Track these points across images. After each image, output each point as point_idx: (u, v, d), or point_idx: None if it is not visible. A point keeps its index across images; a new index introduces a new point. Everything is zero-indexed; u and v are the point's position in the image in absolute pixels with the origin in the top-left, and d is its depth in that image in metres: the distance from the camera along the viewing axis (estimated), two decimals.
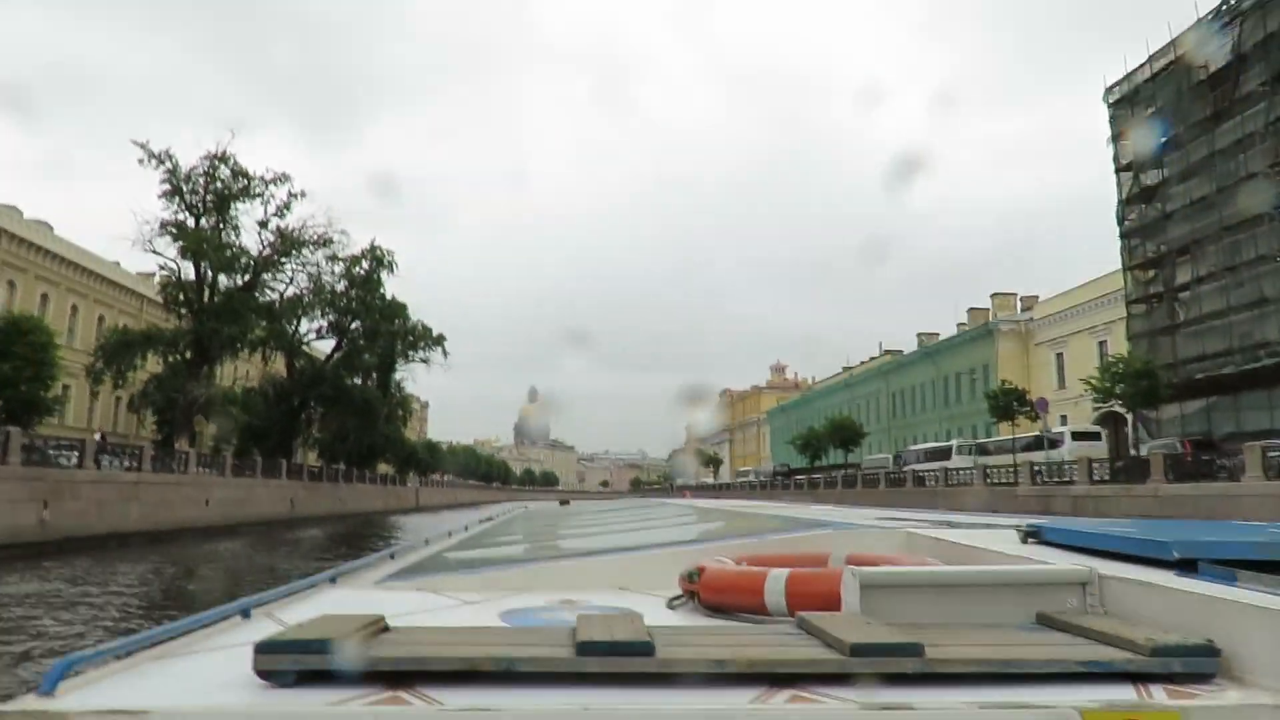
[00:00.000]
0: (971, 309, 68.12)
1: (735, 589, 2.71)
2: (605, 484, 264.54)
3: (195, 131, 51.03)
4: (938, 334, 73.51)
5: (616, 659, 1.65)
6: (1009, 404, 37.17)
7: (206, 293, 39.51)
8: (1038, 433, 38.83)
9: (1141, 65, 42.27)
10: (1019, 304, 63.27)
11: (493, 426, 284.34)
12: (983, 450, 47.67)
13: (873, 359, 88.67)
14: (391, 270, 51.47)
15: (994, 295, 64.58)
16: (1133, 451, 37.48)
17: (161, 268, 39.57)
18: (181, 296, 39.25)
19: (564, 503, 15.11)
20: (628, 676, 1.63)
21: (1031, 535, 3.16)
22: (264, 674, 1.60)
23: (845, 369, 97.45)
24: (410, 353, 62.25)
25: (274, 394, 48.76)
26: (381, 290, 51.63)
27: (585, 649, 1.66)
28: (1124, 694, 1.60)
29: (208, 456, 37.85)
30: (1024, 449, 43.82)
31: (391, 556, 4.35)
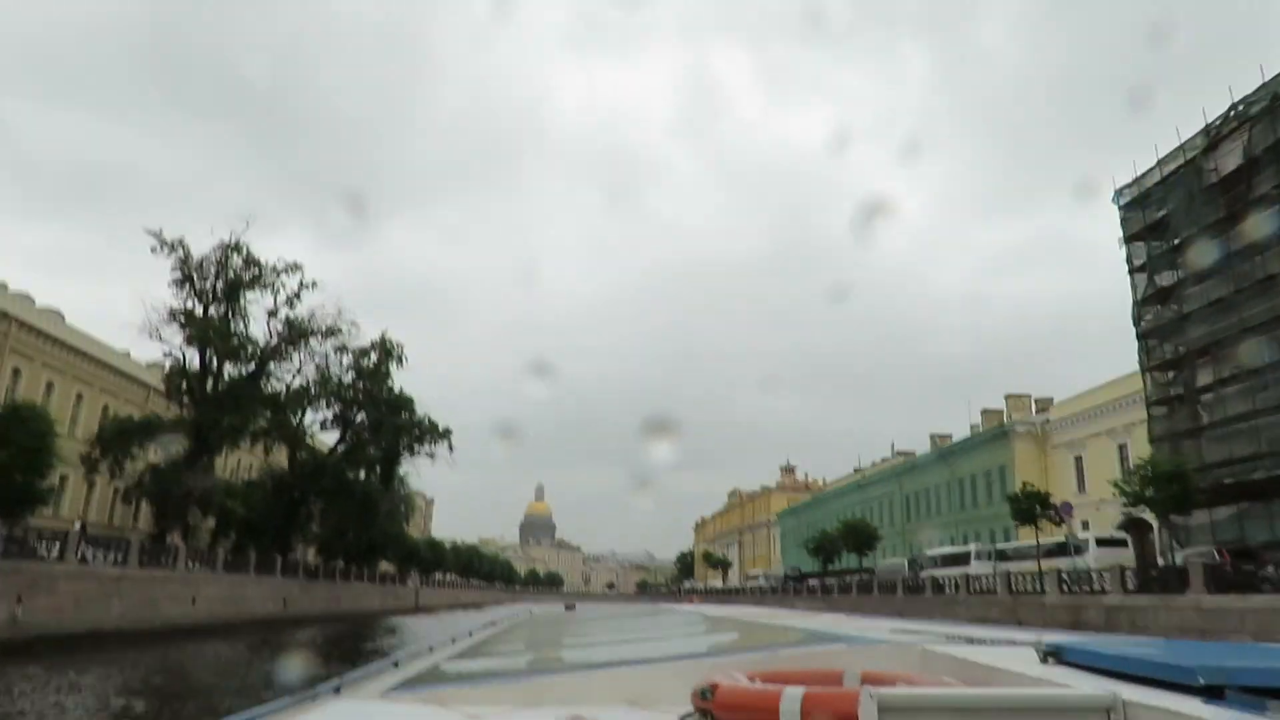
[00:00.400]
0: (985, 410, 67.09)
1: (750, 708, 2.62)
2: (611, 586, 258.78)
3: (212, 228, 50.65)
4: (950, 435, 72.40)
5: None
6: (1031, 508, 35.76)
7: (210, 381, 38.96)
8: (1062, 538, 37.38)
9: (1151, 169, 42.54)
10: (1034, 405, 62.36)
11: (498, 525, 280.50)
12: (1002, 556, 45.98)
13: (885, 460, 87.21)
14: (400, 362, 51.16)
15: (1008, 396, 63.67)
16: (1160, 560, 35.96)
17: (166, 355, 39.11)
18: (184, 385, 38.63)
19: (569, 607, 14.94)
20: None
21: (1052, 655, 3.11)
22: None
23: (857, 470, 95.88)
24: (416, 446, 61.49)
25: (273, 486, 47.58)
26: (389, 382, 51.17)
27: None
28: None
29: (204, 552, 36.54)
30: (1044, 555, 42.31)
31: (395, 665, 4.25)
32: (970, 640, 4.20)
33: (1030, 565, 39.64)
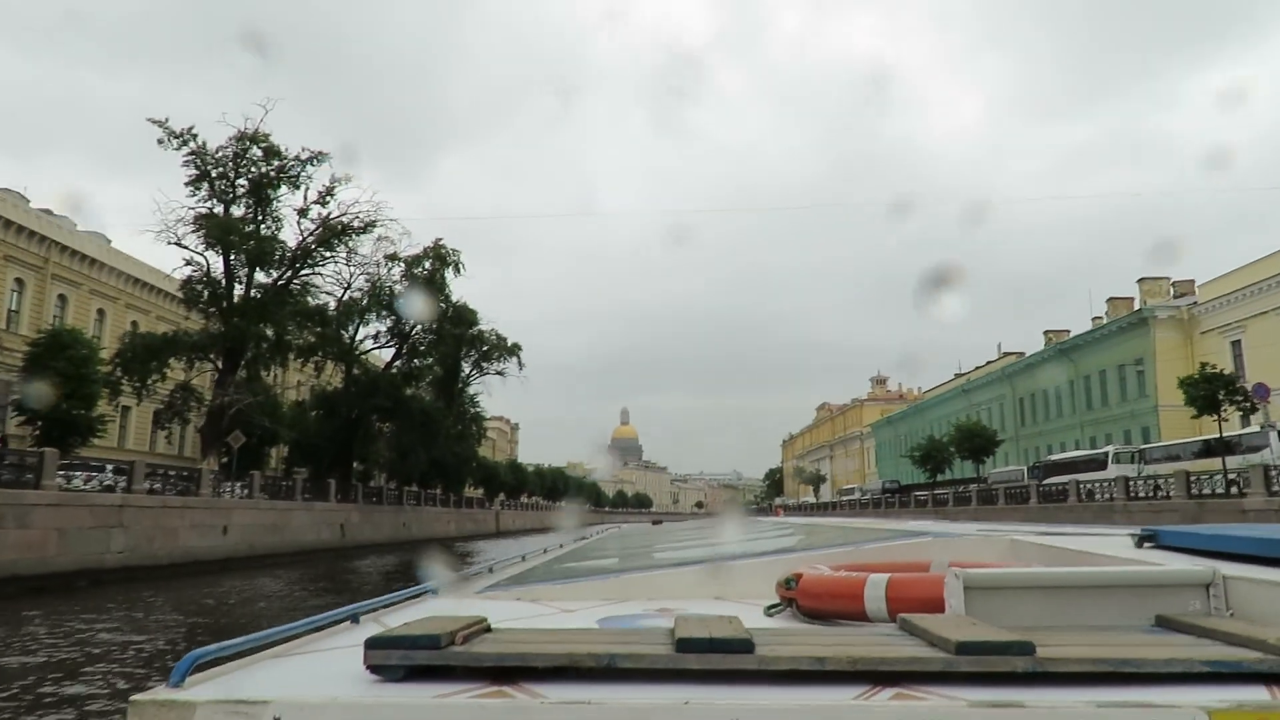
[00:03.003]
0: (1112, 299, 59.43)
1: (834, 594, 2.62)
2: (700, 505, 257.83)
3: (224, 114, 44.97)
4: (1068, 331, 65.06)
5: (716, 655, 1.62)
6: (1213, 393, 29.21)
7: (240, 289, 34.93)
8: (1248, 429, 30.90)
9: None
10: (1171, 290, 54.60)
11: (586, 450, 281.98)
12: (1146, 458, 39.80)
13: (990, 363, 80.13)
14: (458, 270, 46.50)
15: (1142, 280, 55.69)
16: None
17: (187, 263, 35.11)
18: (207, 294, 34.61)
19: (656, 522, 13.87)
20: (728, 673, 1.59)
21: (1147, 540, 3.05)
22: (375, 668, 1.63)
23: (958, 375, 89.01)
24: (484, 364, 57.69)
25: (322, 406, 44.08)
26: (447, 292, 46.73)
27: (685, 646, 1.64)
28: (1256, 695, 1.48)
29: (256, 477, 33.05)
30: (1196, 455, 36.10)
31: (490, 569, 4.41)
32: (1061, 534, 3.97)
33: (1184, 466, 33.73)
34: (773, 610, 2.79)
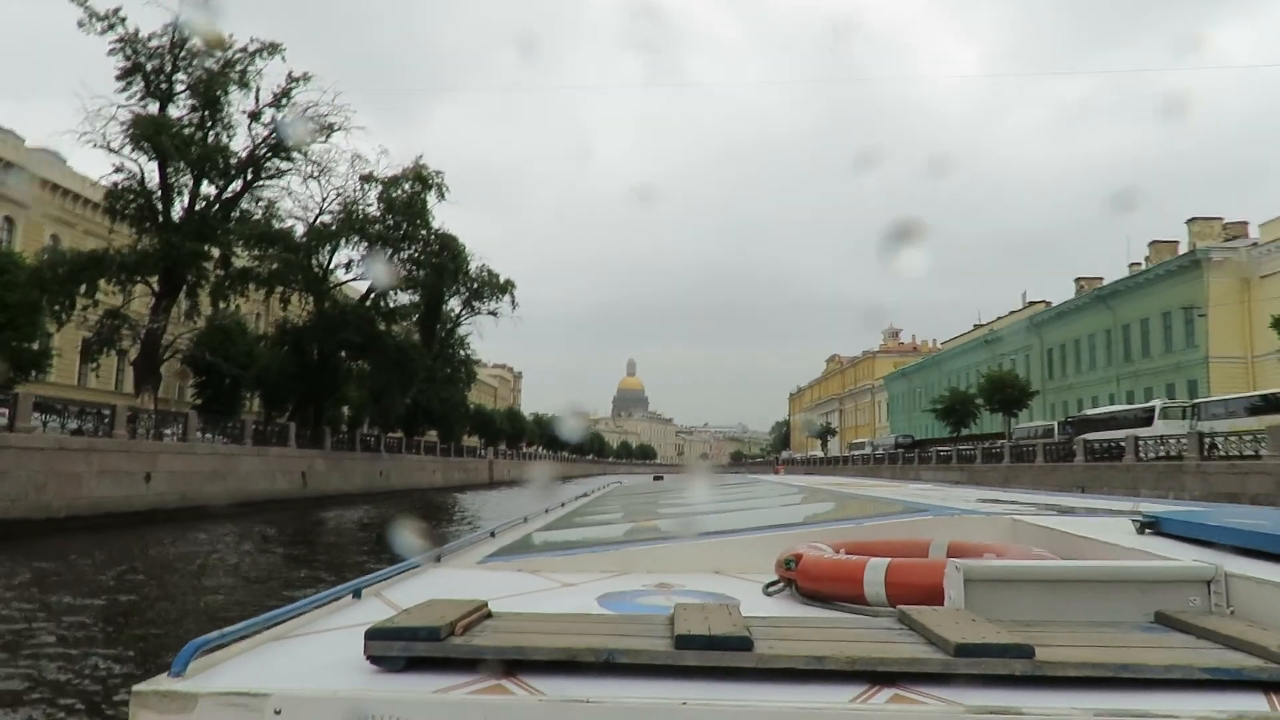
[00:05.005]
0: (1155, 242, 54.68)
1: (833, 578, 2.59)
2: (705, 457, 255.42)
3: None
4: (1101, 278, 60.44)
5: (715, 653, 1.62)
6: None
7: (180, 204, 30.47)
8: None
9: None
10: (1223, 232, 49.87)
11: (591, 401, 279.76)
12: (1202, 414, 35.64)
13: (1014, 313, 75.72)
14: (441, 194, 42.00)
15: (1192, 221, 50.86)
16: None
17: (117, 169, 30.57)
18: (135, 207, 30.12)
19: (657, 478, 13.89)
20: (726, 671, 1.60)
21: (1149, 526, 2.94)
22: (375, 659, 1.62)
23: (977, 325, 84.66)
24: (475, 302, 53.69)
25: (286, 342, 39.93)
26: (428, 218, 42.32)
27: (684, 642, 1.64)
28: (1255, 704, 1.46)
29: (192, 416, 28.83)
30: (1248, 412, 32.16)
31: (492, 534, 4.44)
32: (1061, 510, 4.03)
33: (1245, 424, 29.78)
34: (771, 589, 2.75)
